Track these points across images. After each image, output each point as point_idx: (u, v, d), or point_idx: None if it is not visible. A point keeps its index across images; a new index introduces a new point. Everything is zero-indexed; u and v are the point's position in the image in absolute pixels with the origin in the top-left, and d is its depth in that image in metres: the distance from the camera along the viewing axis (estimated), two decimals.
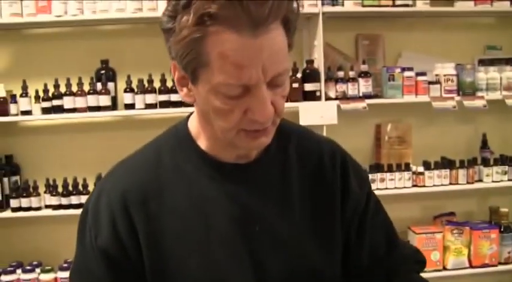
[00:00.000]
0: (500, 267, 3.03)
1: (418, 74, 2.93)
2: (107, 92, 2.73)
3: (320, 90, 2.79)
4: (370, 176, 2.88)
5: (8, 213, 2.74)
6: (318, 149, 1.13)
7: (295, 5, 0.92)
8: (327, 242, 1.09)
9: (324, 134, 2.76)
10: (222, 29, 0.86)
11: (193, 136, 1.06)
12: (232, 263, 1.01)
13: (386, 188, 2.90)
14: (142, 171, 1.04)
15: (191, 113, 1.09)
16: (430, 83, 2.94)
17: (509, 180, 3.03)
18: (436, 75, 2.98)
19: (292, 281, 1.04)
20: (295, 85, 2.75)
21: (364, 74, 2.89)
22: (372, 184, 2.81)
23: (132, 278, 1.00)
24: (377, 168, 2.93)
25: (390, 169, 2.92)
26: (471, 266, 2.99)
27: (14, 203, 2.72)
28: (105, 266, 1.00)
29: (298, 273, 1.04)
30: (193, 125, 1.06)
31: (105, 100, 2.72)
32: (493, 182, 3.02)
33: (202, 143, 1.05)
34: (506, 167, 3.03)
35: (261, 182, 1.05)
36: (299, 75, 2.82)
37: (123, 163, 1.08)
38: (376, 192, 2.98)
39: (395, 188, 2.92)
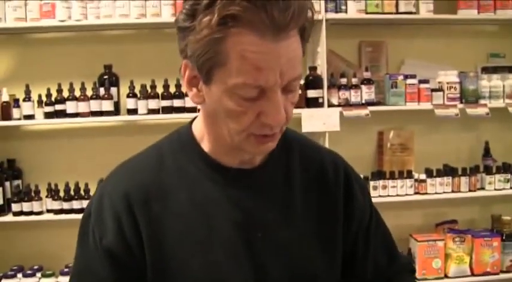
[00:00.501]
0: (502, 276, 3.01)
1: (420, 82, 2.93)
2: (110, 97, 2.74)
3: (323, 97, 2.79)
4: (372, 183, 2.88)
5: (9, 217, 2.74)
6: (320, 158, 1.14)
7: (310, 14, 0.94)
8: (328, 247, 1.10)
9: (327, 140, 2.77)
10: (244, 31, 0.88)
11: (197, 139, 1.06)
12: (233, 265, 1.01)
13: (388, 195, 2.90)
14: (144, 173, 1.04)
15: (194, 118, 1.10)
16: (432, 90, 2.94)
17: (511, 188, 3.03)
18: (439, 82, 2.98)
19: (290, 279, 1.04)
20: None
21: (367, 81, 2.89)
22: (374, 191, 2.88)
23: (136, 277, 1.01)
24: (379, 175, 2.92)
25: (392, 176, 2.92)
26: (473, 274, 2.98)
27: (15, 207, 2.72)
28: (110, 267, 1.00)
29: (300, 277, 1.05)
30: (198, 129, 1.06)
31: (107, 105, 2.73)
32: (495, 190, 3.01)
33: (206, 147, 1.05)
34: (509, 175, 3.02)
35: (265, 187, 1.06)
36: (302, 81, 2.82)
37: (124, 165, 1.08)
38: (378, 200, 3.00)
39: (397, 195, 2.91)
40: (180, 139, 1.08)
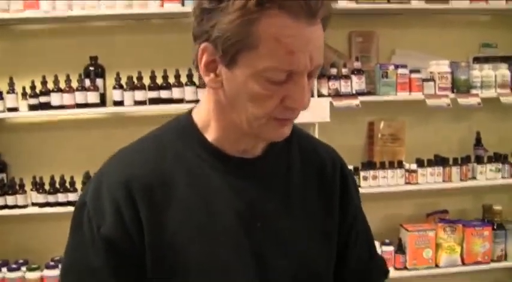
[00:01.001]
0: (493, 265, 3.01)
1: (412, 71, 2.90)
2: (96, 89, 2.69)
3: (312, 87, 2.76)
4: (363, 174, 2.86)
5: None
6: (317, 150, 1.16)
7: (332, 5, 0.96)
8: (326, 237, 1.11)
9: (316, 131, 2.74)
10: (279, 13, 0.88)
11: (199, 127, 1.05)
12: (233, 254, 1.01)
13: (379, 186, 2.87)
14: (144, 161, 1.03)
15: (193, 107, 1.09)
16: (424, 80, 2.91)
17: (502, 178, 3.01)
18: (431, 72, 2.95)
19: (292, 274, 1.05)
20: None
21: (357, 71, 2.86)
22: (364, 182, 2.85)
23: (134, 265, 0.99)
24: (370, 165, 2.89)
25: (383, 167, 2.89)
26: (464, 264, 2.97)
27: None
28: (106, 255, 0.98)
29: (300, 267, 1.06)
30: (200, 117, 1.05)
31: (93, 97, 2.68)
32: (486, 179, 3.00)
33: (210, 135, 1.04)
34: (500, 164, 3.01)
35: (266, 177, 1.06)
36: None
37: (122, 154, 1.06)
38: (369, 190, 2.99)
39: (388, 185, 2.89)
40: (180, 127, 1.07)
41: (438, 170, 2.93)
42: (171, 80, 2.74)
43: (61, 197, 2.69)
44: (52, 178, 2.72)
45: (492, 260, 3.00)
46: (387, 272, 1.26)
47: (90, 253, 0.98)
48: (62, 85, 2.68)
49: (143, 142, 1.07)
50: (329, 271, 1.12)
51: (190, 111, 1.09)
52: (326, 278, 1.11)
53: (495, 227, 3.01)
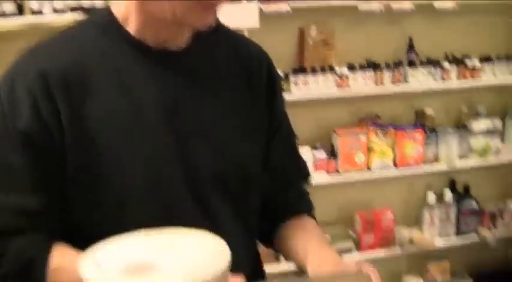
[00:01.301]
0: (425, 168, 3.10)
1: None
2: None
3: None
4: (293, 79, 2.84)
5: None
6: (247, 48, 1.15)
7: None
8: (255, 135, 1.12)
9: None
10: None
11: (120, 21, 1.02)
12: (157, 148, 1.00)
13: (310, 91, 2.86)
14: (61, 54, 1.00)
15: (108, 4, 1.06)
16: None
17: (434, 80, 3.05)
18: None
19: (220, 172, 1.05)
20: None
21: None
22: (295, 87, 2.82)
23: (53, 160, 0.97)
24: (300, 70, 2.87)
25: (314, 71, 2.87)
26: (395, 167, 3.04)
27: None
28: (24, 150, 0.96)
29: (228, 162, 1.06)
30: (120, 10, 1.03)
31: (9, 6, 2.55)
32: (418, 82, 3.03)
33: (131, 28, 1.02)
34: (432, 68, 3.04)
35: (191, 72, 1.05)
36: None
37: (37, 47, 1.03)
38: (299, 96, 2.95)
39: (319, 90, 2.88)
40: (99, 21, 1.04)
41: (370, 74, 2.94)
42: None
43: None
44: None
45: (424, 163, 3.08)
46: (308, 175, 1.28)
47: (7, 149, 0.96)
48: None
49: (59, 38, 1.04)
50: (257, 169, 1.13)
51: (108, 7, 1.05)
52: (253, 175, 1.12)
53: (427, 131, 3.07)
